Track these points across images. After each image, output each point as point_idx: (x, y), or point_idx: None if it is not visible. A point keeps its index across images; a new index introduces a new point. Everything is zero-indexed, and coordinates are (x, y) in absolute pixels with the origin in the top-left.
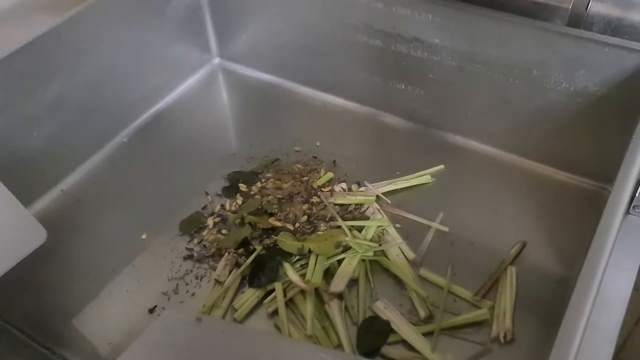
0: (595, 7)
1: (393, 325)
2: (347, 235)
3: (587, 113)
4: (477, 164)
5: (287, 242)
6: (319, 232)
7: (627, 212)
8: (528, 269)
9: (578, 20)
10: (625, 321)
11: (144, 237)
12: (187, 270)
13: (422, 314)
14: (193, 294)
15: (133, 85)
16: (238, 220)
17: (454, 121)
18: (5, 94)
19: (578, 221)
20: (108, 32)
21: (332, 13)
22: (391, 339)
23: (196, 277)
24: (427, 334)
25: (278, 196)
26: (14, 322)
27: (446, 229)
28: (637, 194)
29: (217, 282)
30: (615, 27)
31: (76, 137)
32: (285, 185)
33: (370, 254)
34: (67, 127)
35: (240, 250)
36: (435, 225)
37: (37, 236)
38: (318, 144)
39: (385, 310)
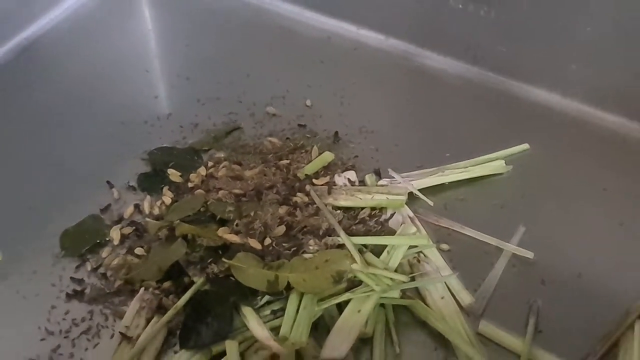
0: None
1: None
2: (354, 262)
3: None
4: (586, 142)
5: (249, 272)
6: (306, 256)
7: None
8: None
9: None
10: None
11: None
12: (74, 319)
13: None
14: None
15: None
16: (164, 233)
17: (547, 68)
18: None
19: None
20: None
21: None
22: None
23: (89, 331)
24: None
25: (236, 191)
26: None
27: (530, 255)
28: None
29: (125, 338)
30: None
31: None
32: (249, 174)
33: (396, 294)
34: None
35: (167, 285)
36: (511, 247)
37: None
38: (309, 102)
39: None
